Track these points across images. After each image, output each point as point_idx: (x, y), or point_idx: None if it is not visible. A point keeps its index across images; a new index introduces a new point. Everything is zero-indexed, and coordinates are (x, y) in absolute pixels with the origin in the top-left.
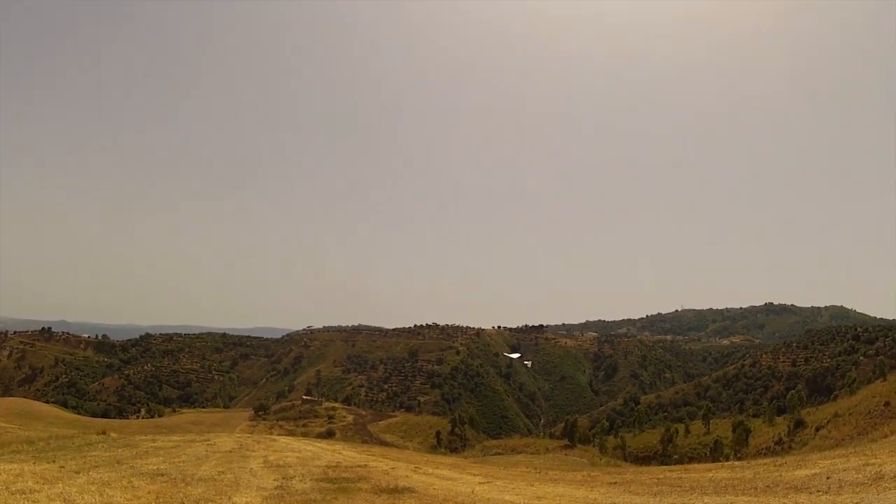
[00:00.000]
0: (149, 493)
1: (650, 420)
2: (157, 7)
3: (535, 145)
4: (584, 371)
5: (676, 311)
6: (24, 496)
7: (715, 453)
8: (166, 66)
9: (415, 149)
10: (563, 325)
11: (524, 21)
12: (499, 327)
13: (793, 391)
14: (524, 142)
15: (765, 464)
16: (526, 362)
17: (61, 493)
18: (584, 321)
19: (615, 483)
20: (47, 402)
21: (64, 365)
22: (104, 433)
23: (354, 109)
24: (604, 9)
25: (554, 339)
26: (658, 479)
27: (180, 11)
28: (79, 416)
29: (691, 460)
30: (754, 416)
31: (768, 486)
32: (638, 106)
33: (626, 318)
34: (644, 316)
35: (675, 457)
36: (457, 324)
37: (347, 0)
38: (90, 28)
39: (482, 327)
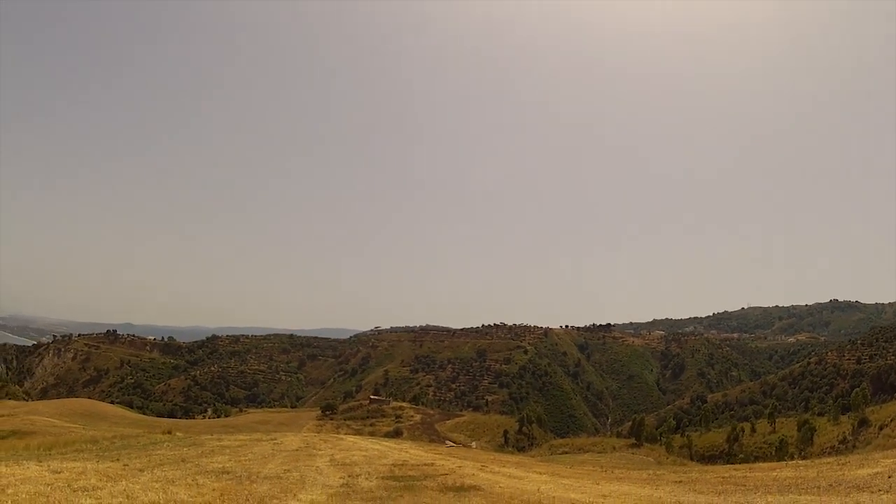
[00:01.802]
0: (213, 490)
1: (716, 419)
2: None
3: (594, 143)
4: (652, 370)
5: (743, 308)
6: (86, 493)
7: (780, 452)
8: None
9: (477, 147)
10: (631, 323)
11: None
12: (566, 326)
13: (857, 389)
14: (581, 140)
15: (828, 463)
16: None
17: (124, 490)
18: (651, 319)
19: (680, 482)
20: (112, 402)
21: (129, 366)
22: (169, 432)
23: (404, 108)
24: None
25: (621, 337)
26: (723, 477)
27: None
28: (144, 416)
29: (756, 459)
30: (819, 414)
31: (831, 486)
32: (698, 98)
33: (692, 315)
34: (711, 314)
35: (741, 456)
36: (525, 323)
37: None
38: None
39: (550, 327)
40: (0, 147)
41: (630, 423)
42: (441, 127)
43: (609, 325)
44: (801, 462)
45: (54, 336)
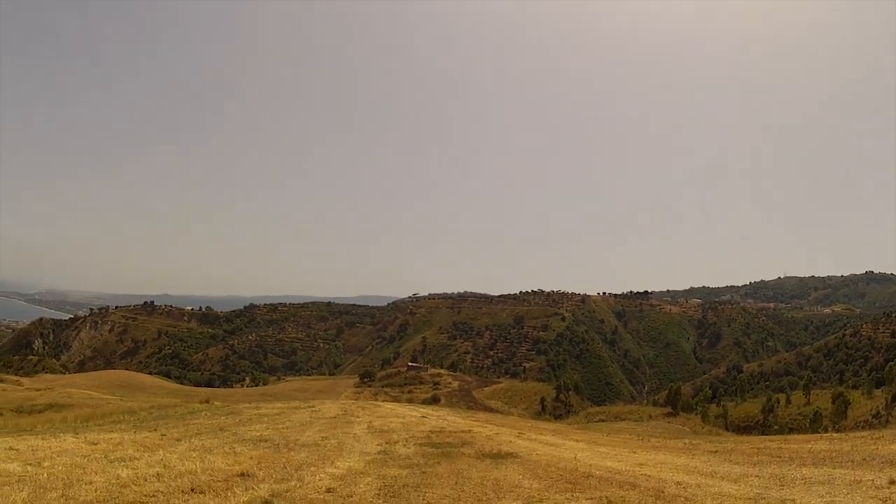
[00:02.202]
0: (251, 458)
1: (752, 389)
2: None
3: (636, 111)
4: (688, 338)
5: (779, 278)
6: (123, 463)
7: (814, 424)
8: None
9: (515, 119)
10: (668, 291)
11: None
12: (604, 293)
13: (891, 363)
14: (625, 110)
15: (862, 437)
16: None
17: (161, 459)
18: (688, 287)
19: (716, 451)
20: (150, 373)
21: (167, 337)
22: (207, 402)
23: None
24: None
25: (658, 305)
26: (758, 448)
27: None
28: (182, 386)
29: (791, 431)
30: (853, 387)
31: (864, 460)
32: (740, 70)
33: (729, 284)
34: (747, 283)
35: (776, 427)
36: (562, 290)
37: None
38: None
39: (587, 293)
40: (41, 125)
41: (666, 391)
42: (478, 100)
43: (646, 292)
44: (835, 435)
45: (91, 309)
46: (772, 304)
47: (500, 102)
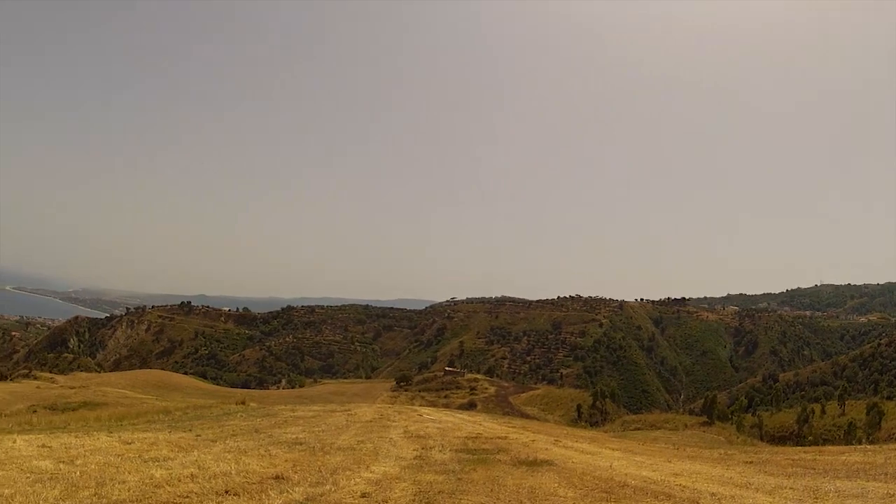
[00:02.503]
0: (286, 461)
1: (787, 399)
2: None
3: (671, 114)
4: (725, 346)
5: (816, 286)
6: (157, 463)
7: (848, 436)
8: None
9: (557, 121)
10: (705, 298)
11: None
12: (641, 300)
13: None
14: (658, 111)
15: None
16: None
17: (196, 460)
18: (725, 294)
19: (751, 462)
20: (185, 373)
21: (204, 337)
22: (243, 403)
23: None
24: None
25: (696, 312)
26: (792, 460)
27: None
28: (218, 386)
29: (825, 442)
30: (888, 398)
31: None
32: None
33: (766, 291)
34: (784, 290)
35: (810, 438)
36: (600, 296)
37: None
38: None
39: (625, 300)
40: (77, 125)
41: (702, 400)
42: (518, 104)
43: (684, 299)
44: (869, 447)
45: (127, 308)
46: (808, 313)
47: (536, 102)
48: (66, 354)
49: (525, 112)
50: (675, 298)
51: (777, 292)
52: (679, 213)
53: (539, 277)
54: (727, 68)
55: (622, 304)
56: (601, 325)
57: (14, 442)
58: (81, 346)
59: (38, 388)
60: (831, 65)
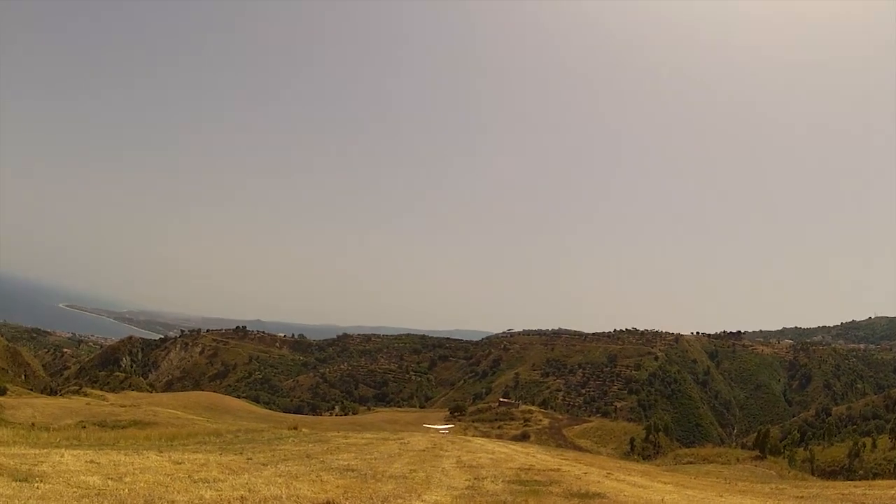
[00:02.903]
0: (337, 487)
1: (839, 433)
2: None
3: (728, 144)
4: (779, 380)
5: (870, 318)
6: (207, 485)
7: None
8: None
9: (612, 148)
10: (761, 331)
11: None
12: (697, 333)
13: None
14: (715, 141)
15: None
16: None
17: (246, 483)
18: (780, 328)
19: (801, 497)
20: (238, 397)
21: (258, 362)
22: (295, 428)
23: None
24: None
25: (751, 346)
26: (843, 494)
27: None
28: (270, 411)
29: (876, 476)
30: None
31: None
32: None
33: (821, 325)
34: (839, 323)
35: (861, 472)
36: (656, 329)
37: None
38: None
39: (681, 333)
40: (137, 156)
41: (755, 434)
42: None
43: (739, 332)
44: None
45: (182, 330)
46: (862, 346)
47: (600, 142)
48: (117, 373)
49: (580, 150)
50: (731, 332)
51: (832, 325)
52: (736, 244)
53: (596, 310)
54: (781, 95)
55: (678, 338)
56: (656, 359)
57: (62, 456)
58: (134, 365)
59: (87, 404)
60: None
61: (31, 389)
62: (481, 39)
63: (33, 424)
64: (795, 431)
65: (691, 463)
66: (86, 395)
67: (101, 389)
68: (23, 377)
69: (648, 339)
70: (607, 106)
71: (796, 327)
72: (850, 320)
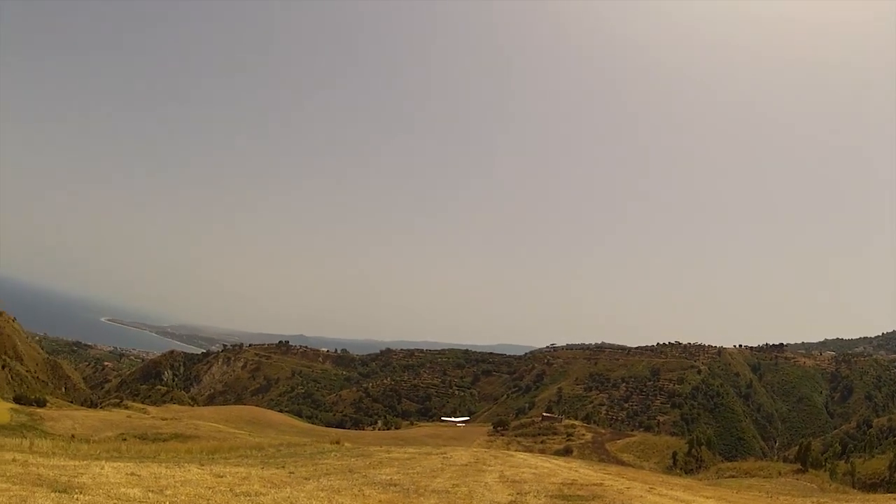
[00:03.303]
0: (379, 502)
1: (880, 444)
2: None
3: (770, 154)
4: (821, 392)
5: None
6: (248, 498)
7: None
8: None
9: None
10: (803, 343)
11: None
12: (740, 346)
13: None
14: (757, 151)
15: None
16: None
17: (288, 497)
18: (822, 339)
19: None
20: (280, 411)
21: (300, 376)
22: (338, 442)
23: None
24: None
25: (793, 358)
26: None
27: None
28: (312, 425)
29: None
30: None
31: None
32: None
33: (862, 335)
34: (880, 333)
35: None
36: (699, 342)
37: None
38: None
39: (723, 346)
40: (180, 172)
41: (797, 447)
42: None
43: (781, 344)
44: None
45: (224, 345)
46: None
47: (637, 155)
48: (159, 387)
49: (613, 161)
50: (773, 344)
51: (873, 336)
52: (778, 256)
53: (639, 323)
54: (819, 106)
55: (721, 351)
56: (699, 372)
57: (102, 468)
58: (175, 379)
59: (128, 417)
60: None
61: (72, 402)
62: (506, 44)
63: (73, 436)
64: (836, 444)
65: (733, 477)
66: (126, 407)
67: (143, 403)
68: (63, 389)
69: (692, 352)
70: (630, 111)
71: (838, 338)
72: (891, 330)
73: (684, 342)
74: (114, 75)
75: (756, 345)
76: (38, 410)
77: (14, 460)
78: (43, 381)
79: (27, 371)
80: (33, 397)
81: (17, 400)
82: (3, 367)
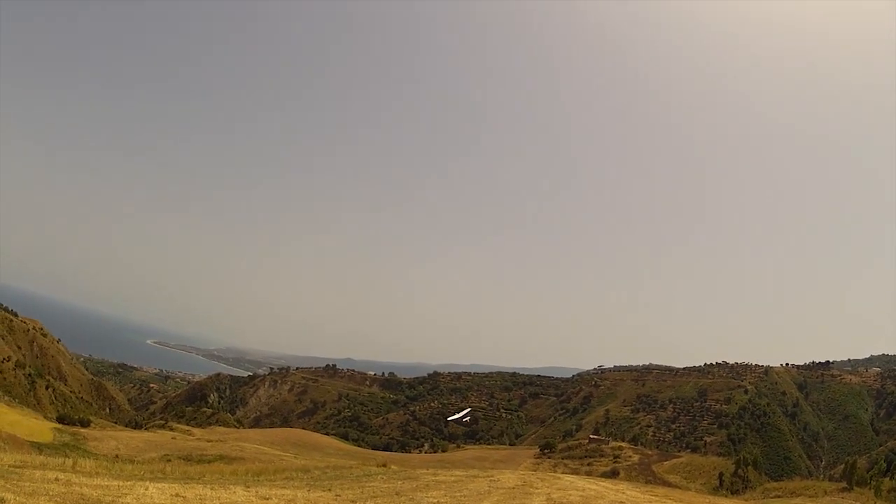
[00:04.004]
0: None
1: None
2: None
3: (808, 166)
4: (867, 409)
5: None
6: None
7: None
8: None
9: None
10: (849, 360)
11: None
12: (786, 364)
13: None
14: (800, 164)
15: None
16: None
17: None
18: (868, 356)
19: None
20: (327, 434)
21: (347, 400)
22: (384, 465)
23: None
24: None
25: (839, 375)
26: None
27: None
28: (359, 448)
29: None
30: None
31: None
32: None
33: None
34: None
35: None
36: (746, 362)
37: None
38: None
39: (770, 365)
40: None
41: (843, 465)
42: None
43: (827, 362)
44: None
45: (271, 368)
46: None
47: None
48: (204, 409)
49: (666, 182)
50: (819, 362)
51: None
52: (824, 272)
53: (687, 343)
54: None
55: (767, 370)
56: (746, 392)
57: (146, 489)
58: (221, 401)
59: (173, 438)
60: None
61: (116, 422)
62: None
63: (117, 456)
64: (882, 461)
65: (779, 497)
66: (171, 429)
67: (188, 424)
68: (107, 410)
69: (738, 371)
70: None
71: (884, 354)
72: None
73: (731, 362)
74: (190, 109)
75: (802, 363)
76: (82, 430)
77: (57, 479)
78: (87, 402)
79: (71, 391)
80: (77, 417)
81: (61, 420)
82: (47, 387)
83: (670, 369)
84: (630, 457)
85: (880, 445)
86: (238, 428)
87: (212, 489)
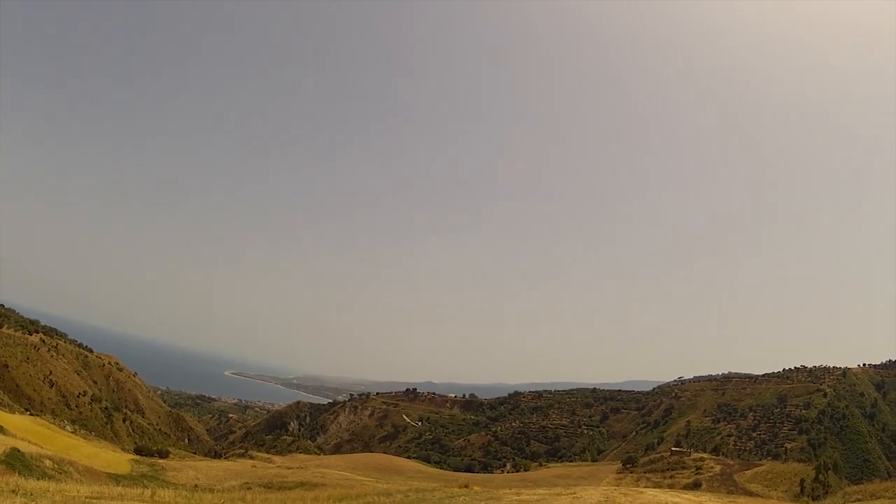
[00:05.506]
0: None
1: None
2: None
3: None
4: None
5: None
6: None
7: None
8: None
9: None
10: None
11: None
12: (864, 365)
13: None
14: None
15: None
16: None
17: None
18: None
19: None
20: (408, 457)
21: (428, 423)
22: (466, 486)
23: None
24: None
25: None
26: None
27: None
28: (441, 470)
29: None
30: None
31: None
32: None
33: None
34: None
35: None
36: (824, 364)
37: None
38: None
39: (848, 367)
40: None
41: None
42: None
43: None
44: None
45: (351, 394)
46: None
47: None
48: (284, 437)
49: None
50: None
51: None
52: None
53: (766, 350)
54: None
55: (845, 372)
56: (825, 395)
57: None
58: (301, 429)
59: (253, 466)
60: None
61: (195, 453)
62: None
63: (196, 486)
64: None
65: (859, 500)
66: (251, 457)
67: (268, 452)
68: (186, 441)
69: (817, 375)
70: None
71: None
72: None
73: (810, 365)
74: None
75: (879, 362)
76: (160, 461)
77: None
78: (165, 433)
79: (149, 423)
80: (155, 448)
81: (139, 451)
82: (125, 420)
83: (749, 377)
84: (712, 467)
85: None
86: (319, 455)
87: None
